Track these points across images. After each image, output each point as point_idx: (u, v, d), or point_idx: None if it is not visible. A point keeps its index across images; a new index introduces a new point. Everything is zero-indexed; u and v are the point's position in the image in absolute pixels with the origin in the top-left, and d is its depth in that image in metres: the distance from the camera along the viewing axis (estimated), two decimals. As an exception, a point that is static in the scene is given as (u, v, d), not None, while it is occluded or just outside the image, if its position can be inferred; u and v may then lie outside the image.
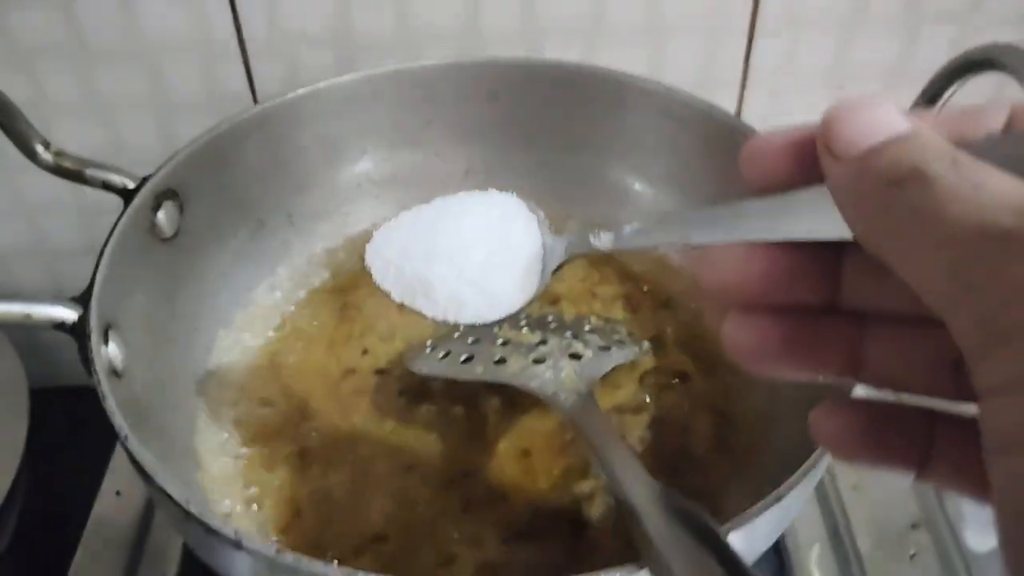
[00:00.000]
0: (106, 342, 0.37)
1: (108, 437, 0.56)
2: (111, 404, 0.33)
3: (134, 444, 0.32)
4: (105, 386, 0.34)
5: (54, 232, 0.61)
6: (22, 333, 0.64)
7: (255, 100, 0.56)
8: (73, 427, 0.63)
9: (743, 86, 0.56)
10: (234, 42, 0.53)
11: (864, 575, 0.44)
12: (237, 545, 0.29)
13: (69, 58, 0.53)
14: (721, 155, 0.47)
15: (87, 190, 0.59)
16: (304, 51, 0.54)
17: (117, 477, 0.50)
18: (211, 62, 0.54)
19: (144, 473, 0.31)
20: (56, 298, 0.36)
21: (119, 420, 0.33)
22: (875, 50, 0.55)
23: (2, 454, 0.53)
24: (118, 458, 0.51)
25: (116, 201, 0.59)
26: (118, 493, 0.49)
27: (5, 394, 0.56)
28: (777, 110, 0.57)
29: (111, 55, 0.53)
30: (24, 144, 0.41)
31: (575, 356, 0.41)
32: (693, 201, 0.49)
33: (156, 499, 0.33)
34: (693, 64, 0.55)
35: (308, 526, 0.41)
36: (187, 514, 0.30)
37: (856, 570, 0.45)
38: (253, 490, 0.43)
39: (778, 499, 0.30)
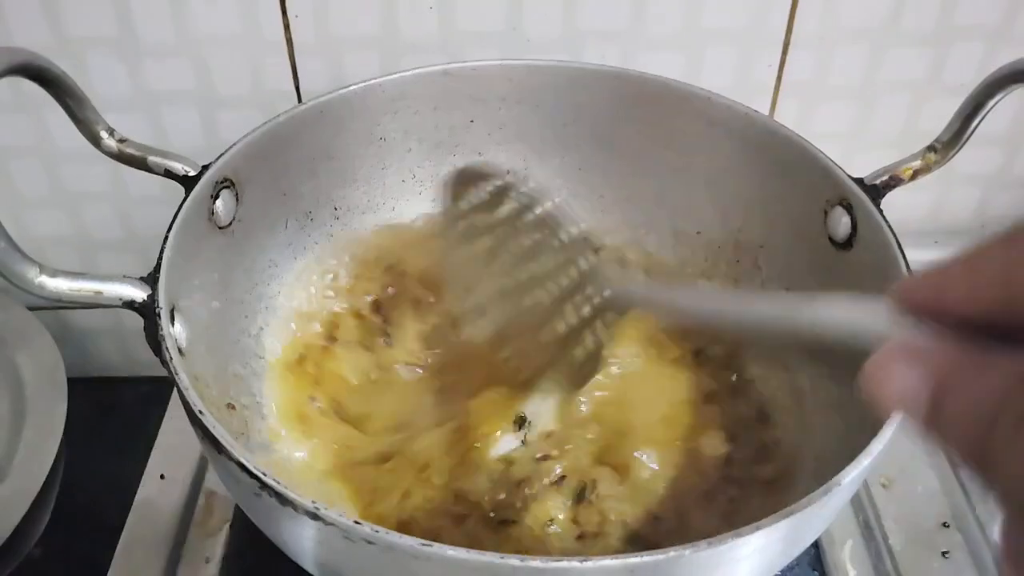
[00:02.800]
0: (172, 322, 0.37)
1: (139, 426, 0.58)
2: (184, 380, 0.34)
3: (209, 419, 0.33)
4: (177, 363, 0.35)
5: (91, 221, 0.62)
6: (56, 323, 0.65)
7: (299, 98, 0.57)
8: (104, 416, 0.64)
9: (776, 94, 0.58)
10: (282, 40, 0.54)
11: (898, 571, 0.45)
12: (313, 515, 0.30)
13: (118, 50, 0.54)
14: (759, 160, 0.48)
15: (126, 181, 0.60)
16: (350, 51, 0.55)
17: (161, 461, 0.51)
18: (258, 59, 0.55)
19: (218, 446, 0.32)
20: (125, 277, 0.37)
21: (192, 396, 0.33)
22: (907, 63, 0.56)
23: (40, 440, 0.54)
24: (162, 442, 0.52)
25: (154, 193, 0.60)
26: (162, 476, 0.50)
27: (43, 382, 0.57)
28: (809, 119, 0.59)
29: (160, 49, 0.54)
30: (89, 130, 0.42)
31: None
32: (729, 203, 0.50)
33: (225, 473, 0.33)
34: (728, 71, 0.56)
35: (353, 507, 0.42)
36: (263, 485, 0.31)
37: (890, 566, 0.46)
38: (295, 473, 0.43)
39: (838, 484, 0.31)
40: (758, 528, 0.30)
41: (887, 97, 0.58)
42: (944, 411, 0.18)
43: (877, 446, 0.32)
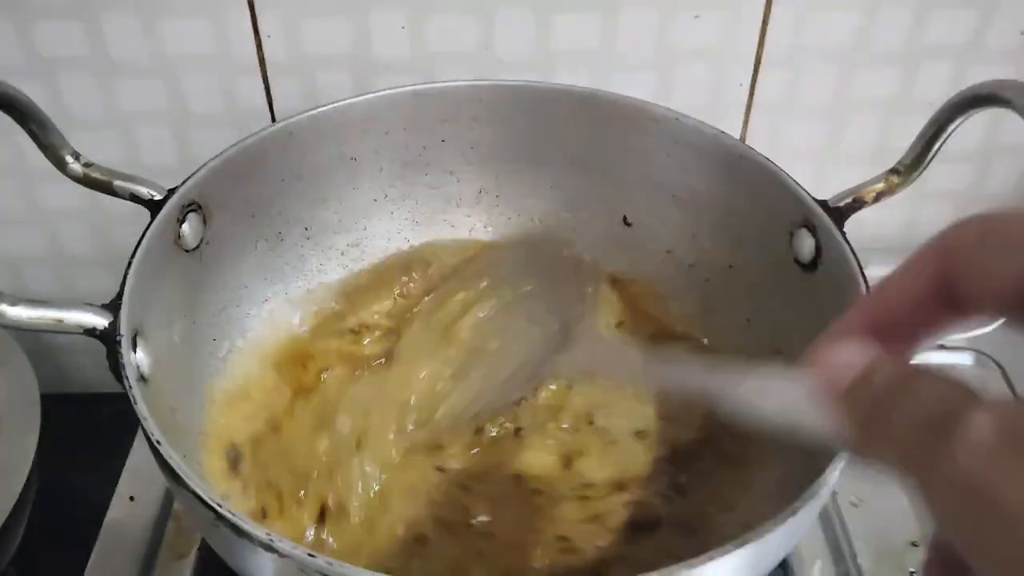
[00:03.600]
0: (134, 348, 0.37)
1: (115, 443, 0.58)
2: (143, 409, 0.34)
3: (166, 449, 0.33)
4: (136, 391, 0.35)
5: (67, 240, 0.62)
6: (32, 340, 0.64)
7: (273, 117, 0.57)
8: (80, 433, 0.64)
9: (748, 113, 0.58)
10: (254, 61, 0.55)
11: (865, 591, 0.45)
12: (268, 547, 0.30)
13: (90, 70, 0.54)
14: (728, 181, 0.48)
15: (101, 200, 0.60)
16: (322, 71, 0.55)
17: (131, 482, 0.51)
18: (231, 79, 0.55)
19: (175, 477, 0.32)
20: (87, 305, 0.37)
21: (151, 425, 0.33)
22: (876, 82, 0.57)
23: (13, 459, 0.54)
24: (132, 463, 0.52)
25: (130, 211, 0.60)
26: (132, 498, 0.50)
27: (17, 400, 0.57)
28: (779, 137, 0.59)
29: (132, 69, 0.54)
30: (54, 155, 0.42)
31: None
32: (698, 224, 0.50)
33: (184, 502, 0.33)
34: (700, 90, 0.57)
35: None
36: (218, 516, 0.31)
37: (857, 586, 0.46)
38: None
39: (793, 513, 0.31)
40: (711, 559, 0.30)
41: (858, 115, 0.58)
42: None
43: (832, 475, 0.32)
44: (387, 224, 0.54)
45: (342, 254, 0.53)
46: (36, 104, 0.40)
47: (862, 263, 0.40)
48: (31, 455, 0.54)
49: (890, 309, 0.23)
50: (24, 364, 0.59)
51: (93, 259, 0.63)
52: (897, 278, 0.23)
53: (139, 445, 0.53)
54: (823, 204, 0.43)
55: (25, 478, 0.53)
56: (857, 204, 0.43)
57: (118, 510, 0.49)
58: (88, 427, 0.66)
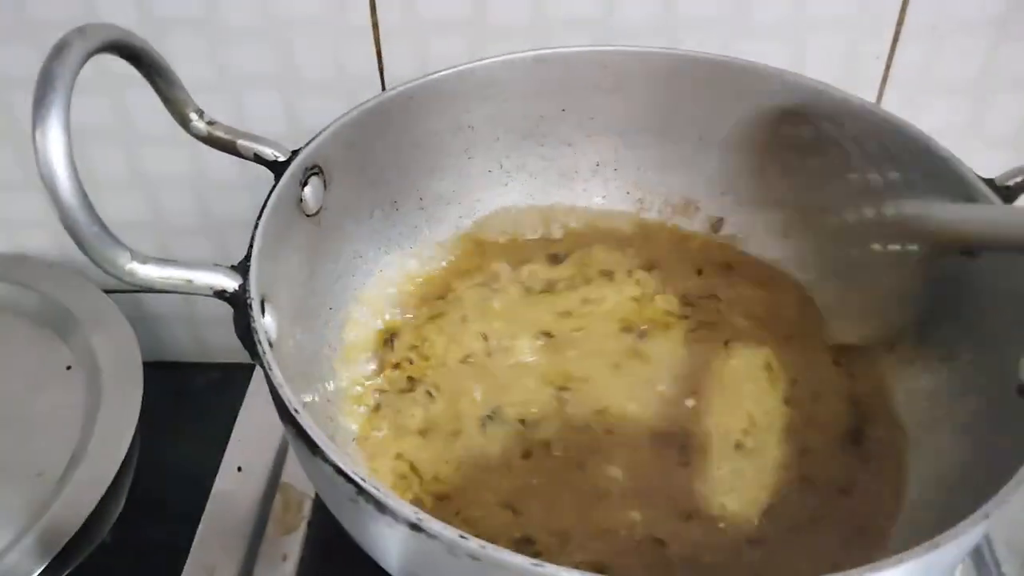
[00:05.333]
0: (262, 313, 0.36)
1: (208, 413, 0.57)
2: (278, 376, 0.32)
3: (305, 419, 0.31)
4: (269, 357, 0.33)
5: (168, 206, 0.61)
6: (131, 306, 0.64)
7: (383, 84, 0.55)
8: (174, 402, 0.64)
9: (882, 88, 0.54)
10: (368, 24, 0.53)
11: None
12: (414, 527, 0.28)
13: (203, 32, 0.53)
14: (879, 159, 0.45)
15: (203, 167, 0.59)
16: (437, 36, 0.53)
17: (237, 453, 0.50)
18: (342, 43, 0.54)
19: (313, 447, 0.30)
20: (216, 265, 0.35)
21: (287, 393, 0.32)
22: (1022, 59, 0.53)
23: (116, 425, 0.53)
24: (238, 434, 0.51)
25: (231, 179, 0.59)
26: (239, 469, 0.49)
27: (120, 367, 0.56)
28: (914, 113, 0.55)
29: (244, 32, 0.53)
30: (178, 111, 0.41)
31: None
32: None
33: (319, 474, 0.32)
34: (832, 61, 0.53)
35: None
36: (360, 491, 0.29)
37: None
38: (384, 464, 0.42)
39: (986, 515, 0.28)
40: (901, 561, 0.27)
41: (1004, 92, 0.54)
42: None
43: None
44: (501, 195, 0.51)
45: (454, 225, 0.51)
46: (163, 57, 0.38)
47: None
48: (134, 422, 0.53)
49: None
50: (127, 330, 0.58)
51: (192, 225, 0.62)
52: None
53: (245, 415, 0.52)
54: (990, 183, 0.40)
55: (128, 445, 0.52)
56: (1029, 184, 0.39)
57: (225, 481, 0.48)
58: (183, 396, 0.65)
